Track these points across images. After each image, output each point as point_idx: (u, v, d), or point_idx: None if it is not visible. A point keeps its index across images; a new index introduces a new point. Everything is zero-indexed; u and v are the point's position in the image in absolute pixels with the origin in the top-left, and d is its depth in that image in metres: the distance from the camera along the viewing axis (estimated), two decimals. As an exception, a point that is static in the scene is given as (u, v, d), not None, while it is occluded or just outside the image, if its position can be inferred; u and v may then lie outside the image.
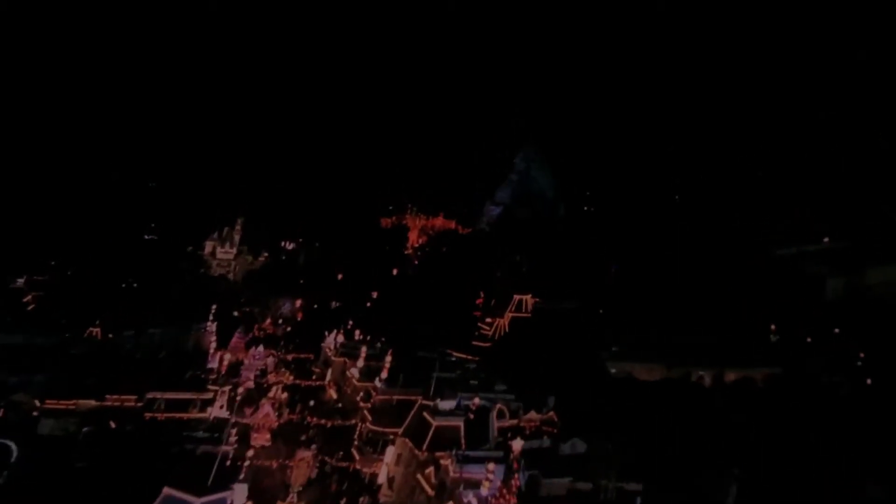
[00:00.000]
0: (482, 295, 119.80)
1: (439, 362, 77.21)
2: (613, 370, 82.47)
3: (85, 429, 52.30)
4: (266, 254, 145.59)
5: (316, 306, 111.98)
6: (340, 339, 79.90)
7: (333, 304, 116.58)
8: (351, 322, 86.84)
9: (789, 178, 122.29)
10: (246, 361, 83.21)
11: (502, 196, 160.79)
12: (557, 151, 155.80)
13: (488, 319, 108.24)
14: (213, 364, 71.25)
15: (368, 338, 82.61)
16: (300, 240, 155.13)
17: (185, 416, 59.93)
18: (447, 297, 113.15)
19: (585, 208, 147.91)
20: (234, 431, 55.48)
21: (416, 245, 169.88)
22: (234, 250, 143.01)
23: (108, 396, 58.61)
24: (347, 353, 74.42)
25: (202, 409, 60.45)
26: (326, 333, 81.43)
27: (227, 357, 73.76)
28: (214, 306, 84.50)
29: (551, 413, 62.16)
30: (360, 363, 69.98)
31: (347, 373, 70.88)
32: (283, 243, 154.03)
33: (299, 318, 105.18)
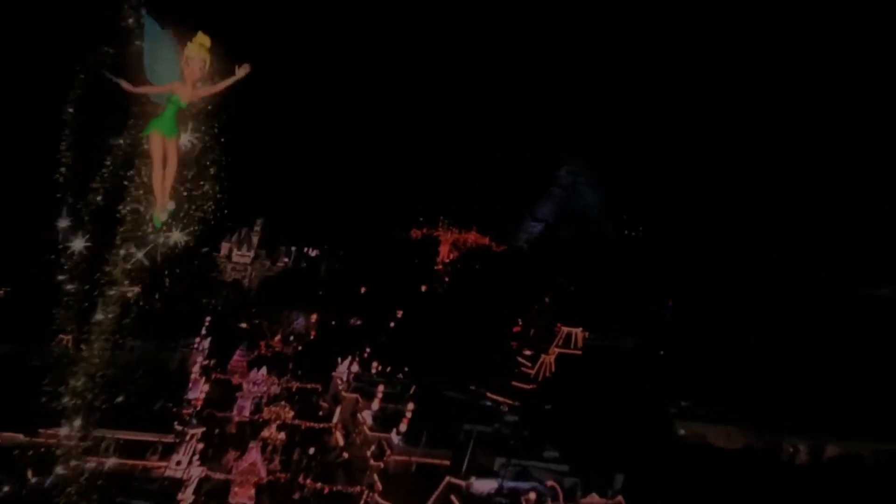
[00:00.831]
0: (520, 323, 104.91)
1: (471, 408, 62.39)
2: (682, 431, 66.75)
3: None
4: (286, 259, 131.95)
5: (333, 323, 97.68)
6: (355, 368, 65.44)
7: (353, 321, 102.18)
8: (369, 350, 72.19)
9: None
10: (245, 387, 68.95)
11: (544, 212, 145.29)
12: (608, 164, 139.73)
13: (526, 351, 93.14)
14: (195, 393, 57.03)
15: (388, 369, 68.07)
16: (323, 246, 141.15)
17: (140, 463, 45.79)
18: (481, 323, 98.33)
19: (638, 229, 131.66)
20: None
21: (447, 260, 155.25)
22: (252, 254, 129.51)
23: (41, 431, 44.83)
24: (361, 390, 59.68)
25: (163, 457, 46.29)
26: (340, 360, 66.97)
27: (204, 388, 59.24)
28: (208, 318, 69.94)
29: (619, 498, 46.78)
30: (376, 405, 55.31)
31: (359, 415, 56.16)
32: (305, 249, 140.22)
33: (312, 336, 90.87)
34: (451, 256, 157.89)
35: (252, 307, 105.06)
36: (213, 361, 77.96)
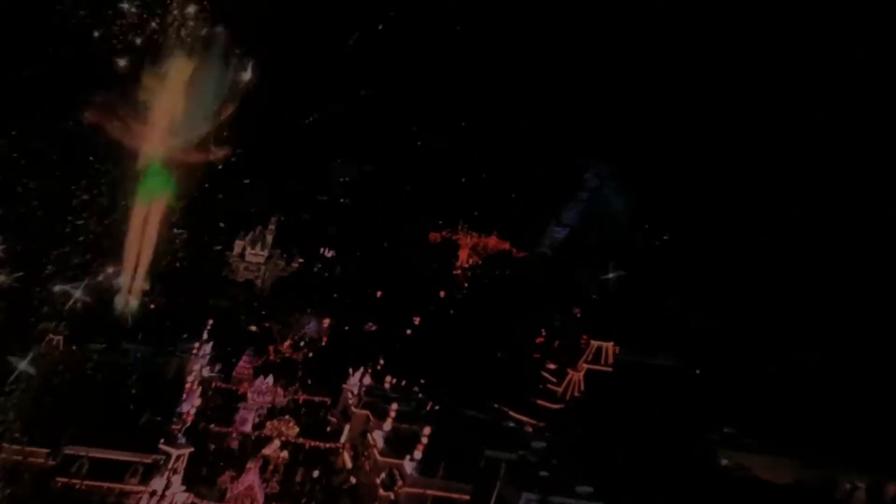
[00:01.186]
0: (543, 334, 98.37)
1: (493, 431, 56.17)
2: (725, 462, 60.00)
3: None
4: (301, 260, 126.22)
5: (347, 328, 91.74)
6: (367, 380, 59.45)
7: (367, 326, 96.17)
8: (382, 362, 66.11)
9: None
10: (249, 397, 63.16)
11: (569, 216, 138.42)
12: (637, 166, 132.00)
13: (550, 365, 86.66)
14: (189, 405, 51.27)
15: (403, 383, 62.01)
16: (340, 247, 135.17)
17: (116, 486, 40.03)
18: (502, 333, 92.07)
19: (670, 235, 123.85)
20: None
21: (467, 265, 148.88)
22: (266, 253, 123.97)
23: (2, 446, 39.34)
24: (373, 407, 53.76)
25: (144, 479, 40.50)
26: (352, 371, 61.01)
27: (199, 401, 53.18)
28: (210, 321, 64.12)
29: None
30: (388, 426, 49.27)
31: (370, 436, 50.17)
32: (321, 250, 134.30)
33: (324, 343, 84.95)
34: (471, 261, 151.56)
35: (263, 309, 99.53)
36: (217, 367, 72.59)
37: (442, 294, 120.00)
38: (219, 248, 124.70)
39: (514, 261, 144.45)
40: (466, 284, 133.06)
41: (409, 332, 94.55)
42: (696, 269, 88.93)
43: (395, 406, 49.02)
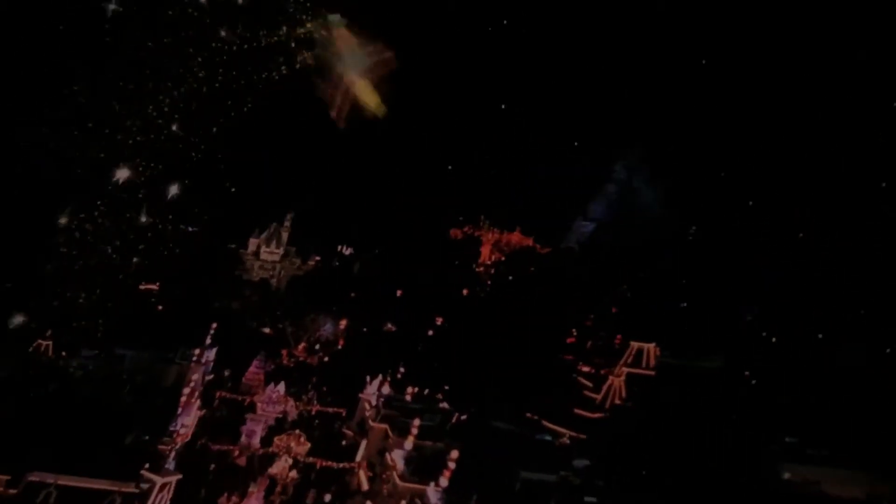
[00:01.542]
0: (574, 334, 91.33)
1: (527, 445, 49.39)
2: (788, 475, 52.80)
3: None
4: (317, 258, 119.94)
5: (365, 329, 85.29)
6: (387, 390, 52.96)
7: (387, 327, 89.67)
8: (403, 370, 59.56)
9: None
10: (259, 407, 56.90)
11: (597, 211, 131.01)
12: (668, 156, 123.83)
13: (582, 367, 79.69)
14: (185, 419, 45.07)
15: (426, 392, 55.38)
16: (359, 245, 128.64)
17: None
18: (531, 333, 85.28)
19: (708, 228, 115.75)
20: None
21: (489, 262, 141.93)
22: (281, 251, 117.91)
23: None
24: (392, 421, 47.32)
25: (123, 513, 34.28)
26: (369, 379, 54.56)
27: (196, 414, 46.92)
28: (215, 325, 57.78)
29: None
30: (409, 444, 42.80)
31: (388, 455, 43.65)
32: (339, 247, 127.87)
33: (340, 346, 78.60)
34: (494, 258, 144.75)
35: (277, 310, 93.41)
36: (227, 373, 66.56)
37: (465, 292, 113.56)
38: (233, 245, 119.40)
39: (538, 257, 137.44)
40: (490, 282, 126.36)
41: (430, 332, 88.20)
42: (745, 261, 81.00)
43: (417, 422, 42.49)
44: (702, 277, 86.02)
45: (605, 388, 63.08)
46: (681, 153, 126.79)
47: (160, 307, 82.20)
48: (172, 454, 38.97)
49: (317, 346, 78.14)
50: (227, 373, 66.58)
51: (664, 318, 77.90)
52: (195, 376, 48.79)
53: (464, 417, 56.25)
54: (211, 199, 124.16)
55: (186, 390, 45.58)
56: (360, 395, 53.11)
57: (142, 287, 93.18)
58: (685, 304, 79.42)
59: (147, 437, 39.30)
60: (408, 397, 49.36)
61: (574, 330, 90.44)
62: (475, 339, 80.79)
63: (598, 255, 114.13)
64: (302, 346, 77.74)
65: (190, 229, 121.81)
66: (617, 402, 61.61)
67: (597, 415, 59.96)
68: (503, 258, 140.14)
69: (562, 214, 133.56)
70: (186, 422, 44.35)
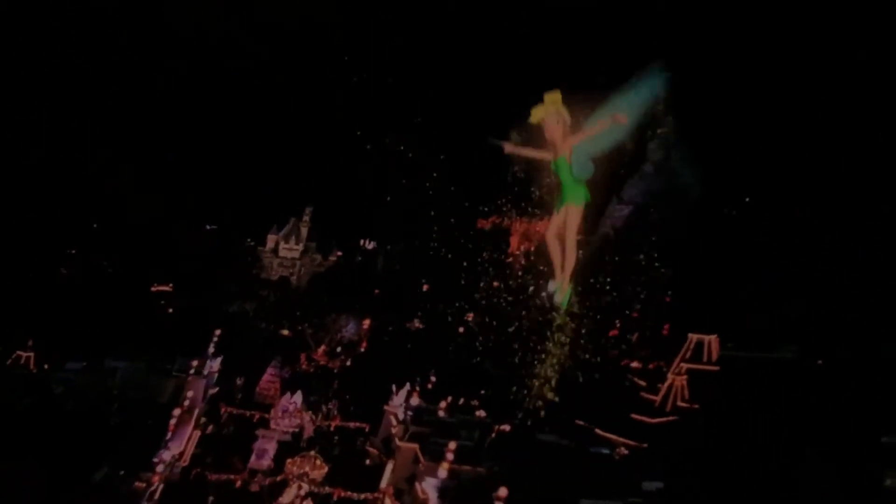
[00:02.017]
0: (617, 325, 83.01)
1: (584, 463, 41.35)
2: (889, 482, 44.35)
3: None
4: (339, 253, 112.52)
5: (391, 328, 77.71)
6: (416, 401, 45.29)
7: (413, 325, 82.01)
8: (434, 378, 51.71)
9: None
10: (272, 421, 49.64)
11: (632, 192, 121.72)
12: (708, 131, 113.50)
13: (632, 363, 71.61)
14: (175, 446, 37.62)
15: (460, 401, 47.60)
16: (382, 238, 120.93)
17: None
18: (570, 327, 77.23)
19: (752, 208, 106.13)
20: None
21: (518, 252, 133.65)
22: (301, 247, 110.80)
23: None
24: (423, 440, 39.55)
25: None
26: (395, 389, 46.93)
27: (189, 438, 39.48)
28: (218, 331, 50.39)
29: None
30: (444, 472, 35.01)
31: (418, 486, 35.86)
32: (361, 241, 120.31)
33: (363, 348, 71.16)
34: (523, 248, 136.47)
35: (296, 309, 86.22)
36: (239, 381, 59.41)
37: (496, 284, 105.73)
38: (251, 242, 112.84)
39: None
40: (521, 273, 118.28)
41: (461, 329, 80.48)
42: (809, 235, 71.73)
43: (453, 445, 34.71)
44: (758, 258, 77.01)
45: (664, 387, 54.66)
46: (724, 123, 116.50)
47: (170, 310, 75.79)
48: (154, 490, 31.56)
49: (338, 349, 70.78)
50: (239, 381, 59.67)
51: (723, 305, 69.28)
52: (190, 393, 41.39)
53: (505, 428, 48.65)
54: (228, 194, 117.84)
55: (177, 412, 38.15)
56: (386, 408, 45.41)
57: (154, 289, 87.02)
58: (746, 289, 70.43)
59: (122, 472, 32.10)
60: (441, 413, 41.37)
61: (618, 321, 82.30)
62: (510, 336, 73.11)
63: (637, 239, 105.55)
64: (322, 349, 70.46)
65: (207, 227, 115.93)
66: (680, 404, 53.16)
67: (658, 420, 51.62)
68: (532, 248, 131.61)
69: (593, 198, 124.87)
70: (177, 448, 37.04)
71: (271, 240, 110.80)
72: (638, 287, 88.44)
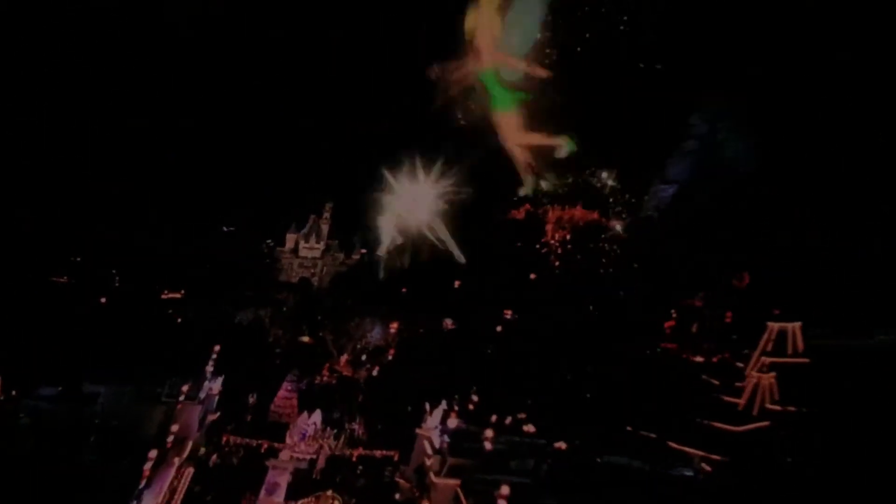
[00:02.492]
0: (674, 315, 74.30)
1: (665, 491, 32.86)
2: None
3: None
4: (363, 250, 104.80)
5: (421, 331, 69.65)
6: (454, 422, 37.12)
7: (446, 325, 73.78)
8: (476, 397, 43.28)
9: None
10: (288, 445, 42.14)
11: (677, 171, 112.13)
12: (757, 101, 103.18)
13: (695, 357, 62.81)
14: (152, 498, 29.71)
15: (507, 420, 39.31)
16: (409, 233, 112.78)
17: None
18: (620, 321, 68.91)
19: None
20: None
21: (554, 241, 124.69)
22: (322, 245, 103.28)
23: None
24: (464, 474, 31.25)
25: None
26: (428, 407, 38.79)
27: (172, 483, 31.55)
28: (217, 347, 42.69)
29: None
30: (498, 522, 26.83)
31: (464, 539, 27.82)
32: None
33: (391, 356, 63.16)
34: (558, 236, 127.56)
35: (318, 313, 78.58)
36: (253, 399, 51.99)
37: (532, 277, 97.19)
38: (270, 242, 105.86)
39: (608, 231, 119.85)
40: (558, 263, 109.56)
41: (499, 329, 72.16)
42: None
43: (506, 490, 26.45)
44: (835, 232, 67.39)
45: (748, 387, 45.70)
46: (775, 93, 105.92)
47: (179, 319, 68.73)
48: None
49: (363, 357, 62.98)
50: (251, 398, 52.14)
51: (799, 287, 59.97)
52: (175, 427, 33.68)
53: (562, 446, 40.34)
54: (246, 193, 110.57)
55: (153, 453, 30.21)
56: (418, 431, 37.40)
57: (164, 296, 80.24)
58: (824, 270, 61.05)
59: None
60: (487, 445, 32.76)
61: (674, 312, 73.61)
62: (554, 334, 64.69)
63: (685, 221, 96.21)
64: (345, 357, 62.73)
65: (225, 228, 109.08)
66: (769, 406, 44.20)
67: (746, 427, 42.76)
68: (568, 236, 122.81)
69: (635, 179, 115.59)
70: (152, 500, 29.37)
71: (290, 239, 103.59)
72: (693, 273, 79.63)
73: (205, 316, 61.92)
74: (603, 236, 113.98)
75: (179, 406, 35.73)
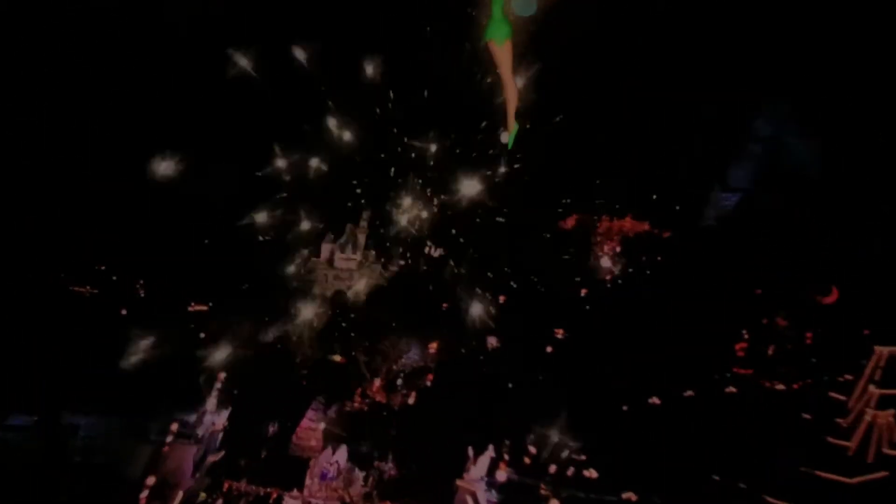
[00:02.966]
0: (746, 336, 66.69)
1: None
2: None
3: None
4: (402, 262, 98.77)
5: (463, 351, 62.95)
6: (504, 475, 30.07)
7: (490, 344, 66.95)
8: (533, 444, 36.24)
9: None
10: (308, 483, 35.75)
11: (740, 177, 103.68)
12: (823, 102, 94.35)
13: (776, 385, 55.19)
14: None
15: (568, 471, 32.19)
16: (450, 244, 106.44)
17: None
18: (685, 344, 61.42)
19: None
20: None
21: (603, 254, 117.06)
22: (358, 256, 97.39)
23: None
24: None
25: None
26: (472, 454, 31.99)
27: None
28: (222, 374, 36.59)
29: None
30: None
31: None
32: (427, 248, 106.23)
33: (429, 381, 56.63)
34: (608, 249, 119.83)
35: (351, 330, 72.45)
36: (274, 429, 45.89)
37: (583, 293, 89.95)
38: (305, 252, 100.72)
39: (662, 242, 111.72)
40: (609, 277, 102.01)
41: (550, 349, 65.14)
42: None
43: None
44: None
45: (860, 427, 37.80)
46: (842, 94, 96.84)
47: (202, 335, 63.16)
48: None
49: (398, 381, 56.50)
50: (272, 429, 46.05)
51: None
52: (151, 479, 27.49)
53: (631, 497, 33.11)
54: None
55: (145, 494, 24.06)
56: (459, 483, 30.59)
57: (191, 308, 75.18)
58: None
59: None
60: (545, 493, 25.54)
61: (745, 332, 65.92)
62: (612, 359, 57.41)
63: (753, 231, 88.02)
64: (378, 382, 56.29)
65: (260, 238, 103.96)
66: (888, 451, 36.24)
67: (861, 479, 34.89)
68: (618, 249, 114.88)
69: (694, 187, 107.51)
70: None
71: (326, 249, 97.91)
72: (764, 289, 71.82)
73: (228, 331, 56.15)
74: (656, 248, 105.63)
75: (166, 449, 29.53)
